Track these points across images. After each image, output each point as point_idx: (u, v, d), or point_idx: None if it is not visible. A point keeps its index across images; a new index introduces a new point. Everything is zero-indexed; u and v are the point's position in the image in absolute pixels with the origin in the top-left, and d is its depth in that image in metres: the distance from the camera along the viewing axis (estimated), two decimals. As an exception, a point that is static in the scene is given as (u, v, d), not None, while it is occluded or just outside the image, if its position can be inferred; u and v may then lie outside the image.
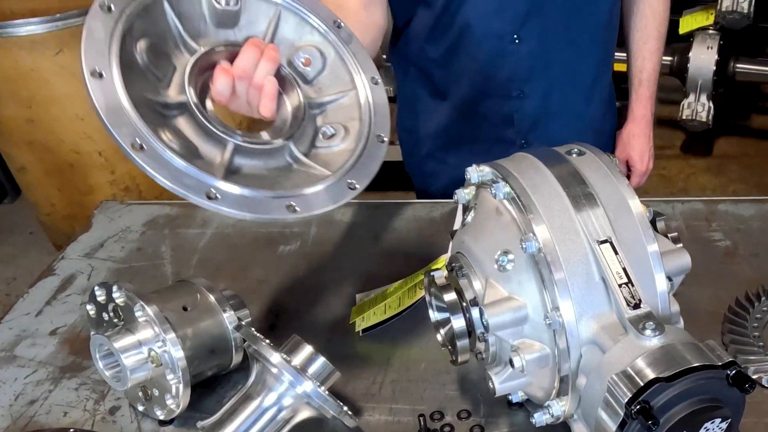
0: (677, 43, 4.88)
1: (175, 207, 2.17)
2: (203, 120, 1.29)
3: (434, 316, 1.40)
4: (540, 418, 1.20)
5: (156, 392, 1.42)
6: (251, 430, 1.30)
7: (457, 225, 1.40)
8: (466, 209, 1.36)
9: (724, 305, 1.62)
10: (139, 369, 1.38)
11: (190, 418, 1.43)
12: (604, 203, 1.18)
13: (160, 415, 1.43)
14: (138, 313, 1.37)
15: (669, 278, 1.19)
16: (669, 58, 4.89)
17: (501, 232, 1.22)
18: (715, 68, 4.94)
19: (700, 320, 1.54)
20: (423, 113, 2.27)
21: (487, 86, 2.11)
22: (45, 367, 1.62)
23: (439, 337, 1.40)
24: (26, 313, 1.79)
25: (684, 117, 5.05)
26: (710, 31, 4.96)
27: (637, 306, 1.11)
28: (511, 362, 1.18)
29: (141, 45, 1.29)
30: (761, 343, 1.51)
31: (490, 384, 1.24)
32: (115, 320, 1.43)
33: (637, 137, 2.33)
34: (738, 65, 5.08)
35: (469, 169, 1.29)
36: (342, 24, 1.52)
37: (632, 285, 1.12)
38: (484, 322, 1.19)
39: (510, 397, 1.35)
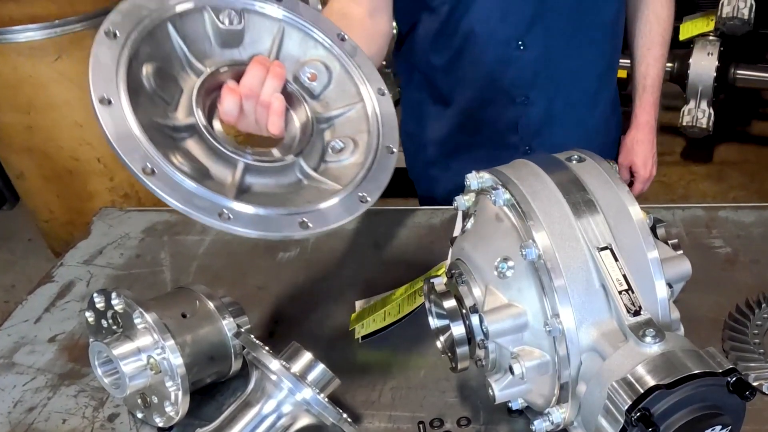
0: (677, 49, 4.87)
1: (174, 214, 2.16)
2: (212, 141, 1.29)
3: (434, 323, 1.40)
4: (540, 426, 1.20)
5: (155, 399, 1.41)
6: (250, 437, 1.30)
7: (456, 232, 1.40)
8: (466, 216, 1.35)
9: (724, 312, 1.62)
10: (138, 376, 1.37)
11: (189, 425, 1.42)
12: (604, 210, 1.18)
13: (159, 422, 1.42)
14: (137, 320, 1.37)
15: (669, 285, 1.18)
16: (669, 65, 4.88)
17: (501, 239, 1.22)
18: (715, 75, 4.94)
19: (700, 327, 1.54)
20: (427, 119, 2.27)
21: (492, 92, 2.10)
22: (44, 374, 1.61)
23: (438, 344, 1.40)
24: (25, 320, 1.79)
25: (684, 123, 5.05)
26: (710, 38, 4.97)
27: (637, 313, 1.11)
28: (511, 369, 1.18)
29: (147, 69, 1.30)
30: (762, 350, 1.51)
31: (490, 391, 1.24)
32: (114, 327, 1.43)
33: (641, 143, 2.33)
34: (738, 72, 5.08)
35: (469, 175, 1.29)
36: (346, 37, 1.52)
37: (632, 292, 1.12)
38: (484, 329, 1.19)
39: (510, 404, 1.34)
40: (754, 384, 1.43)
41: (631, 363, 1.06)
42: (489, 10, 1.97)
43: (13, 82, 3.78)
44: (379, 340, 1.63)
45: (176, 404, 1.38)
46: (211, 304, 1.47)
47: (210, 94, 1.36)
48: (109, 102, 1.19)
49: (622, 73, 2.35)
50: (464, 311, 1.26)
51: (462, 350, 1.28)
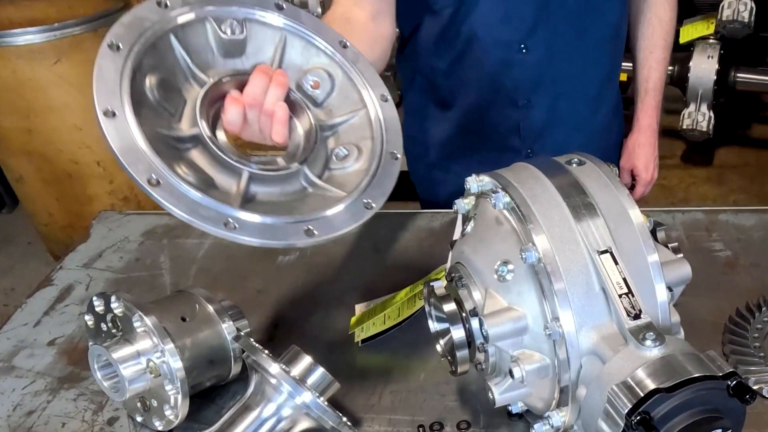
0: (677, 52, 4.84)
1: (173, 217, 2.14)
2: (217, 151, 1.30)
3: (434, 326, 1.40)
4: (540, 429, 1.19)
5: (155, 403, 1.41)
6: (250, 440, 1.30)
7: (456, 235, 1.40)
8: (466, 219, 1.35)
9: (724, 315, 1.62)
10: (137, 379, 1.37)
11: (189, 428, 1.43)
12: (604, 213, 1.17)
13: (159, 425, 1.42)
14: (136, 324, 1.37)
15: (669, 288, 1.18)
16: (669, 68, 4.86)
17: (501, 242, 1.22)
18: (715, 78, 4.94)
19: (700, 331, 1.53)
20: (429, 122, 2.27)
21: (494, 95, 2.10)
22: (43, 378, 1.61)
23: (438, 348, 1.40)
24: (24, 324, 1.79)
25: (684, 127, 5.05)
26: (711, 41, 4.97)
27: (637, 316, 1.10)
28: (510, 373, 1.18)
29: (151, 81, 1.30)
30: (762, 354, 1.51)
31: (490, 395, 1.24)
32: (114, 331, 1.43)
33: (643, 146, 2.33)
34: (738, 75, 5.09)
35: (469, 179, 1.29)
36: (348, 44, 1.52)
37: (632, 295, 1.12)
38: (484, 333, 1.19)
39: (510, 408, 1.35)
40: (755, 387, 1.43)
41: (632, 366, 1.06)
42: (492, 13, 1.97)
43: (12, 85, 3.79)
44: (379, 343, 1.63)
45: (176, 408, 1.38)
46: (210, 308, 1.47)
47: (213, 104, 1.36)
48: (114, 114, 1.19)
49: (622, 77, 2.35)
50: (464, 314, 1.26)
51: (462, 354, 1.28)
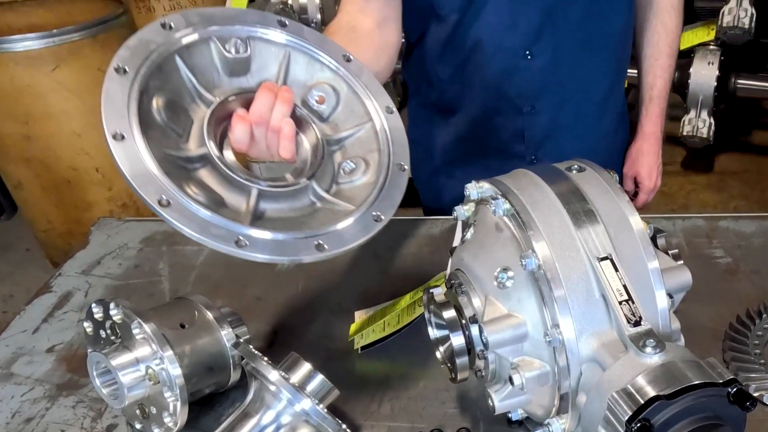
0: (678, 58, 4.85)
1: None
2: (225, 170, 1.30)
3: (433, 333, 1.39)
4: (540, 436, 1.19)
5: (154, 410, 1.41)
6: (249, 448, 1.29)
7: (456, 242, 1.39)
8: (466, 226, 1.35)
9: (725, 322, 1.62)
10: (136, 386, 1.37)
11: (188, 436, 1.43)
12: (604, 220, 1.17)
13: (158, 433, 1.42)
14: (135, 331, 1.36)
15: (670, 295, 1.18)
16: (671, 75, 4.89)
17: (500, 249, 1.22)
18: (716, 84, 4.94)
19: (700, 337, 1.53)
20: (433, 127, 2.27)
21: (498, 102, 2.10)
22: (42, 385, 1.61)
23: (438, 355, 1.39)
24: (23, 331, 1.78)
25: (685, 133, 5.05)
26: (711, 47, 4.97)
27: (637, 323, 1.10)
28: (510, 380, 1.18)
29: (158, 102, 1.31)
30: (762, 361, 1.50)
31: (490, 402, 1.23)
32: (113, 337, 1.43)
33: (646, 154, 2.32)
34: (739, 81, 5.09)
35: (469, 185, 1.29)
36: (351, 57, 1.52)
37: (633, 302, 1.11)
38: (484, 340, 1.19)
39: (510, 415, 1.34)
40: (755, 395, 1.43)
41: (632, 373, 1.05)
42: (497, 19, 1.97)
43: (10, 91, 3.79)
44: (379, 350, 1.63)
45: (175, 415, 1.37)
46: (209, 315, 1.47)
47: (220, 123, 1.37)
48: (123, 137, 1.20)
49: (625, 83, 2.36)
50: (464, 321, 1.26)
51: (461, 361, 1.28)
